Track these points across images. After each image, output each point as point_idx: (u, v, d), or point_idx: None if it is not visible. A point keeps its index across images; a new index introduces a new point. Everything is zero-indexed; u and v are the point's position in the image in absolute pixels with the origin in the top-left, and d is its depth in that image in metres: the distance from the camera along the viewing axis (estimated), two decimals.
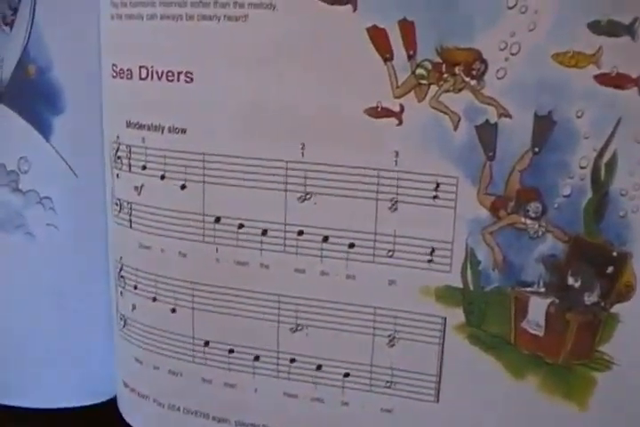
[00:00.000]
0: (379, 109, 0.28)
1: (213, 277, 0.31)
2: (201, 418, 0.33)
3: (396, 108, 0.28)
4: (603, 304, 0.27)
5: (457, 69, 0.27)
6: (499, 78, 0.26)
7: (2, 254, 0.36)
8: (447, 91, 0.27)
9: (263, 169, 0.29)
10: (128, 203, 0.33)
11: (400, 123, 0.28)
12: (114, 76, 0.32)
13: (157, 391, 0.34)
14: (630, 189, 0.26)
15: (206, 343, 0.32)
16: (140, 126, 0.31)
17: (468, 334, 0.28)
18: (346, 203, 0.29)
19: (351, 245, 0.29)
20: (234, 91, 0.29)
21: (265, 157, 0.29)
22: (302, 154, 0.29)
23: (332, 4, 0.27)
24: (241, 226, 0.30)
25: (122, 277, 0.34)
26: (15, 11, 0.33)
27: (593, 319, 0.27)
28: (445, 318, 0.29)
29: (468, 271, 0.28)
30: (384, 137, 0.28)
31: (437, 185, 0.28)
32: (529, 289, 0.28)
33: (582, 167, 0.26)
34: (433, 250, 0.28)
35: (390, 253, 0.29)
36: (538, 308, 0.28)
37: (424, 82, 0.27)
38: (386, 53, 0.27)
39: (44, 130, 0.34)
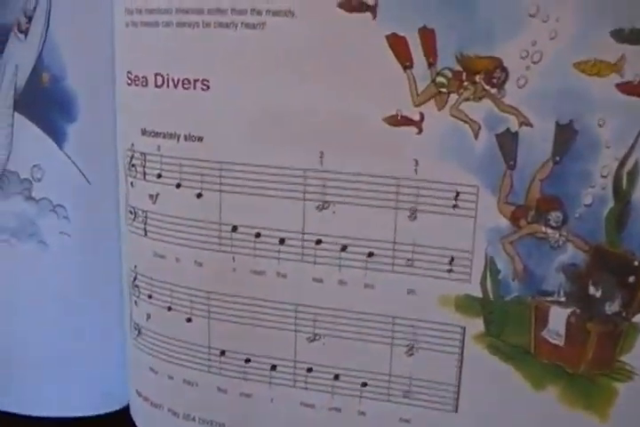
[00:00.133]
0: (398, 118, 0.28)
1: (230, 287, 0.31)
2: None
3: (416, 117, 0.27)
4: (624, 314, 0.27)
5: (477, 78, 0.27)
6: (520, 87, 0.26)
7: (14, 263, 0.36)
8: (467, 99, 0.27)
9: (281, 177, 0.29)
10: (143, 211, 0.32)
11: (420, 131, 0.27)
12: (128, 84, 0.32)
13: (172, 401, 0.34)
14: None
15: (222, 353, 0.32)
16: (156, 134, 0.31)
17: (488, 344, 0.28)
18: (365, 212, 0.28)
19: (370, 255, 0.29)
20: (251, 99, 0.29)
21: (283, 166, 0.29)
22: (321, 162, 0.29)
23: (352, 12, 0.27)
24: (258, 235, 0.30)
25: (136, 286, 0.34)
26: (30, 19, 0.32)
27: (614, 329, 0.27)
28: (465, 328, 0.28)
29: (488, 281, 0.28)
30: (404, 146, 0.28)
31: (457, 194, 0.28)
32: (549, 299, 0.28)
33: (604, 176, 0.26)
34: (452, 259, 0.28)
35: (409, 263, 0.29)
36: (558, 317, 0.27)
37: (444, 90, 0.27)
38: (406, 61, 0.27)
39: (58, 138, 0.34)
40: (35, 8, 0.32)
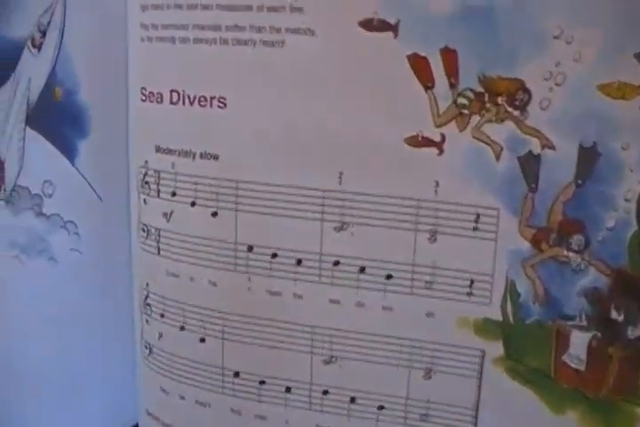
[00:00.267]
0: (419, 139, 0.27)
1: (245, 307, 0.30)
2: None
3: (437, 138, 0.27)
4: None
5: (500, 99, 0.26)
6: (542, 109, 0.26)
7: (24, 279, 0.35)
8: (489, 121, 0.27)
9: (299, 197, 0.29)
10: (156, 229, 0.32)
11: (441, 152, 0.27)
12: (143, 100, 0.31)
13: (183, 422, 0.33)
14: None
15: (236, 374, 0.31)
16: (170, 152, 0.31)
17: (507, 368, 0.28)
18: (384, 233, 0.28)
19: (388, 277, 0.29)
20: (269, 117, 0.29)
21: (301, 186, 0.29)
22: (340, 183, 0.28)
23: (373, 31, 0.27)
24: (274, 255, 0.30)
25: (148, 304, 0.33)
26: (44, 33, 0.32)
27: (636, 354, 0.27)
28: (484, 351, 0.28)
29: (509, 304, 0.28)
30: (424, 167, 0.27)
31: (478, 216, 0.27)
32: (570, 323, 0.27)
33: (627, 200, 0.26)
34: (472, 282, 0.28)
35: (429, 285, 0.28)
36: (579, 342, 0.27)
37: (466, 111, 0.27)
38: (427, 82, 0.27)
39: (70, 153, 0.34)
40: (49, 23, 0.32)
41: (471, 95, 0.27)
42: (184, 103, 0.30)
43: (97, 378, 0.36)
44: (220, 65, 0.29)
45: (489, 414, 0.28)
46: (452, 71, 0.27)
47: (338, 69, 0.28)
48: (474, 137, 0.27)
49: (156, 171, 0.31)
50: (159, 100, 0.31)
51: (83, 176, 0.34)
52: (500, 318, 0.28)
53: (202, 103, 0.30)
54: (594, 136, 0.25)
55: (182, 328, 0.32)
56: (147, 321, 0.33)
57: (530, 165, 0.27)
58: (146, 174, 0.32)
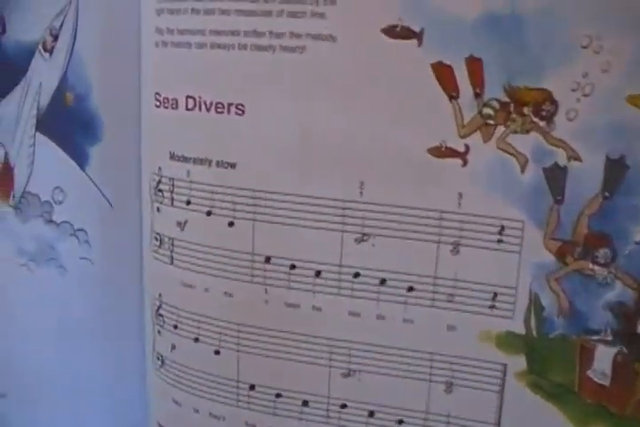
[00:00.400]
0: (443, 149, 0.27)
1: (261, 319, 0.30)
2: None
3: (461, 149, 0.27)
4: None
5: (526, 110, 0.26)
6: (569, 120, 0.25)
7: (33, 288, 0.35)
8: (515, 131, 0.26)
9: (318, 208, 0.28)
10: (169, 238, 0.31)
11: (465, 163, 0.27)
12: (157, 106, 0.31)
13: None
14: None
15: (252, 387, 0.31)
16: (185, 159, 0.30)
17: (530, 382, 0.27)
18: (405, 245, 0.28)
19: (410, 289, 0.28)
20: (288, 125, 0.28)
21: (321, 196, 0.28)
22: (361, 193, 0.28)
23: (396, 38, 0.26)
24: (293, 267, 0.29)
25: (160, 315, 0.32)
26: (56, 37, 0.32)
27: None
28: (506, 365, 0.28)
29: (532, 317, 0.27)
30: (448, 178, 0.27)
31: (502, 228, 0.27)
32: (595, 337, 0.27)
33: None
34: (495, 295, 0.27)
35: (450, 298, 0.28)
36: (604, 357, 0.27)
37: (491, 122, 0.26)
38: (451, 91, 0.26)
39: (81, 159, 0.33)
40: (61, 26, 0.31)
41: (497, 105, 0.26)
42: (200, 109, 0.29)
43: (104, 388, 0.35)
44: (238, 71, 0.29)
45: None
46: (477, 80, 0.26)
47: (359, 77, 0.27)
48: (499, 148, 0.26)
49: (170, 178, 0.31)
50: (174, 105, 0.30)
51: (94, 183, 0.33)
52: (522, 331, 0.27)
53: (219, 110, 0.29)
54: (622, 148, 0.25)
55: (196, 340, 0.31)
56: (159, 332, 0.33)
57: (556, 176, 0.26)
58: (159, 182, 0.31)
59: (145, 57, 0.31)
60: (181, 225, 0.31)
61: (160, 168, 0.31)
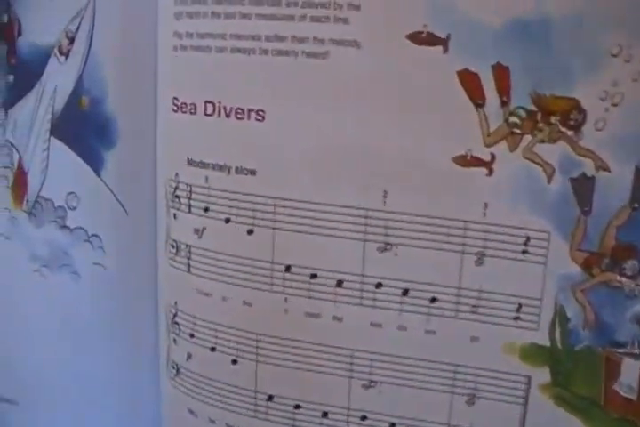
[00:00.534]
0: (468, 158, 0.26)
1: (281, 329, 0.29)
2: None
3: (487, 158, 0.26)
4: None
5: (553, 119, 0.25)
6: (598, 130, 0.25)
7: (46, 294, 0.34)
8: (542, 141, 0.26)
9: (340, 217, 0.28)
10: (186, 246, 0.31)
11: (490, 173, 0.26)
12: (174, 111, 0.30)
13: None
14: None
15: (270, 398, 0.30)
16: (204, 165, 0.30)
17: (554, 395, 0.27)
18: (429, 255, 0.27)
19: (433, 300, 0.28)
20: (309, 132, 0.28)
21: (343, 204, 0.28)
22: (384, 202, 0.27)
23: (421, 45, 0.26)
24: (314, 276, 0.29)
25: (176, 323, 0.32)
26: (72, 40, 0.31)
27: None
28: (530, 377, 0.27)
29: (557, 329, 0.27)
30: (473, 187, 0.26)
31: (527, 239, 0.26)
32: (622, 350, 0.26)
33: None
34: (520, 306, 0.27)
35: (474, 309, 0.27)
36: (631, 370, 0.26)
37: (517, 131, 0.26)
38: (478, 99, 0.26)
39: (95, 164, 0.32)
40: (77, 29, 0.31)
41: (523, 114, 0.26)
42: (219, 115, 0.29)
43: (117, 395, 0.35)
44: (258, 76, 0.28)
45: None
46: (504, 89, 0.26)
47: (384, 84, 0.26)
48: (525, 157, 0.26)
49: (187, 185, 0.30)
50: (192, 110, 0.30)
51: (109, 188, 0.32)
52: (547, 343, 0.27)
53: (239, 116, 0.29)
54: None
55: (213, 349, 0.31)
56: (174, 341, 0.32)
57: (583, 187, 0.26)
58: (176, 188, 0.31)
59: (162, 61, 0.31)
60: (199, 232, 0.30)
61: (177, 174, 0.31)
